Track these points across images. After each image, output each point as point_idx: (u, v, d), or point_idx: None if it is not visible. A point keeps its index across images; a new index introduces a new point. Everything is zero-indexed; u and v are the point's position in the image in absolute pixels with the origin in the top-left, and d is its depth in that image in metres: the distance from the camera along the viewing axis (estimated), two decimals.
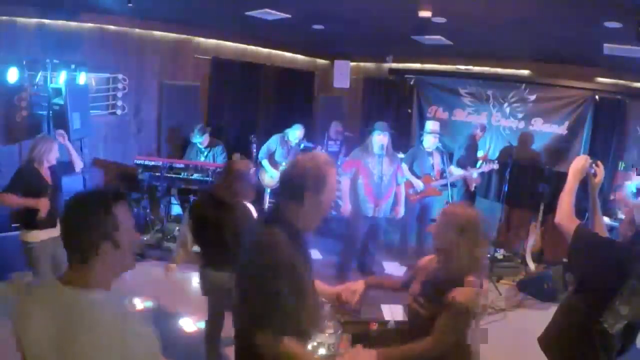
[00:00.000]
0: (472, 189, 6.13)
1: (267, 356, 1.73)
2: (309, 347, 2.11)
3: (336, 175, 1.85)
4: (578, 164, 2.38)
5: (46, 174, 3.71)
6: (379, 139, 4.74)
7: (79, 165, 4.13)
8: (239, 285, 1.86)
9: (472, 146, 6.38)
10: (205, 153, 6.08)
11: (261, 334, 1.70)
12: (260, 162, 6.16)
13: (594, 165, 2.38)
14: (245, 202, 3.21)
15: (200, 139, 5.99)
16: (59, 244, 1.43)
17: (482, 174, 6.01)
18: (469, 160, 6.12)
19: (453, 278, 2.07)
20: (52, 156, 3.71)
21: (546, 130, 6.72)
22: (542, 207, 6.00)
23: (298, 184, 1.74)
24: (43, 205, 3.54)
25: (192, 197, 6.20)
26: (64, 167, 3.99)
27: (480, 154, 6.74)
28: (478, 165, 6.21)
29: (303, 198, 1.74)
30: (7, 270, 4.64)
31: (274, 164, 6.15)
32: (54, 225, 3.62)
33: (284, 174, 1.87)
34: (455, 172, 5.85)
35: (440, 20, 4.77)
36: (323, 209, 1.82)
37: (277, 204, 1.86)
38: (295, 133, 6.08)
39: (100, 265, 1.34)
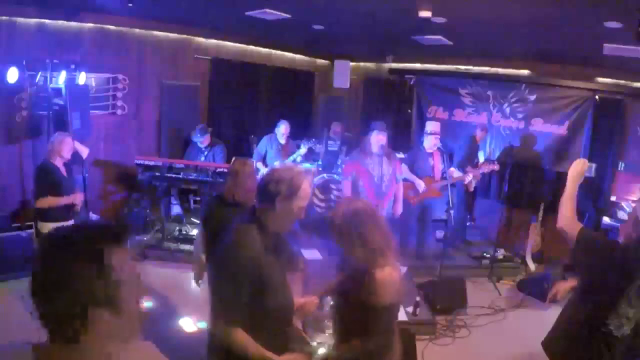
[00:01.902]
0: (471, 189, 6.12)
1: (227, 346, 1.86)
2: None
3: (311, 184, 1.97)
4: (576, 168, 2.39)
5: (61, 167, 3.84)
6: (378, 139, 4.73)
7: (85, 152, 4.36)
8: (211, 278, 2.04)
9: (473, 147, 6.37)
10: (206, 153, 6.09)
11: (217, 322, 1.90)
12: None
13: (591, 166, 2.39)
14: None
15: (201, 139, 5.98)
16: None
17: (481, 175, 5.99)
18: (469, 161, 6.11)
19: (357, 273, 2.05)
20: (65, 149, 3.86)
21: (546, 131, 6.71)
22: (542, 207, 6.01)
23: (272, 190, 1.88)
24: (78, 199, 3.90)
25: (192, 197, 6.22)
26: (73, 158, 4.16)
27: (481, 156, 6.72)
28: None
29: (274, 203, 1.88)
30: (8, 270, 4.65)
31: (267, 165, 6.12)
32: (69, 219, 3.88)
33: (262, 180, 2.00)
34: (455, 174, 5.84)
35: (440, 20, 4.77)
36: (294, 215, 1.93)
37: (254, 207, 1.98)
38: (280, 130, 6.05)
39: (91, 341, 0.92)
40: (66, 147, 3.90)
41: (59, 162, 3.87)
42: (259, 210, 1.94)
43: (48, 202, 3.77)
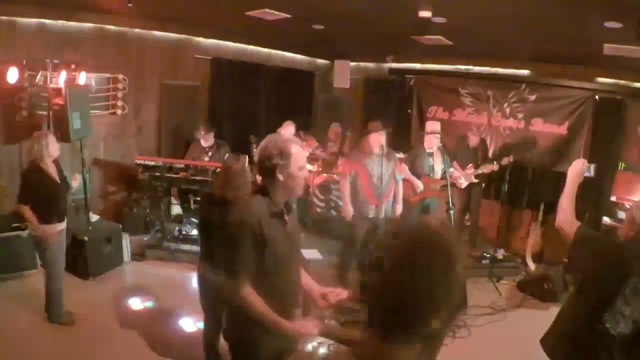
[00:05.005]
0: (462, 187, 6.06)
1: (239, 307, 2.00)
2: (309, 347, 2.12)
3: (299, 146, 2.14)
4: (576, 168, 2.40)
5: (52, 170, 3.74)
6: (377, 139, 4.73)
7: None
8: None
9: (460, 148, 6.33)
10: (210, 153, 6.03)
11: (228, 280, 2.04)
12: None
13: (590, 166, 2.40)
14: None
15: (206, 136, 5.95)
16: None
17: (473, 176, 5.98)
18: (465, 163, 6.08)
19: None
20: (53, 149, 3.72)
21: (546, 131, 6.71)
22: (542, 207, 6.00)
23: (268, 165, 2.08)
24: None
25: (192, 197, 6.22)
26: None
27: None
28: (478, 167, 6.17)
29: (276, 175, 2.07)
30: (8, 270, 4.65)
31: None
32: (63, 220, 3.84)
33: (257, 160, 2.17)
34: (454, 174, 5.83)
35: (440, 20, 4.77)
36: (298, 177, 2.11)
37: (260, 185, 2.16)
38: (288, 131, 6.02)
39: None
40: (52, 147, 3.69)
41: (47, 164, 3.67)
42: (264, 187, 2.13)
43: (25, 212, 3.55)
